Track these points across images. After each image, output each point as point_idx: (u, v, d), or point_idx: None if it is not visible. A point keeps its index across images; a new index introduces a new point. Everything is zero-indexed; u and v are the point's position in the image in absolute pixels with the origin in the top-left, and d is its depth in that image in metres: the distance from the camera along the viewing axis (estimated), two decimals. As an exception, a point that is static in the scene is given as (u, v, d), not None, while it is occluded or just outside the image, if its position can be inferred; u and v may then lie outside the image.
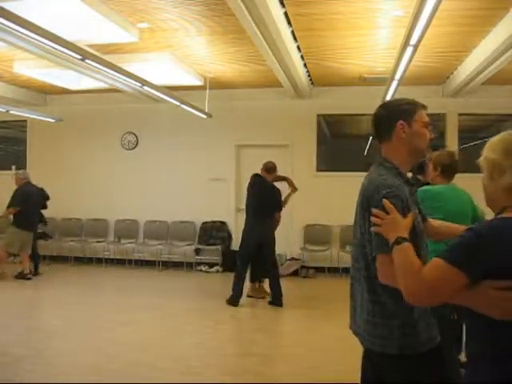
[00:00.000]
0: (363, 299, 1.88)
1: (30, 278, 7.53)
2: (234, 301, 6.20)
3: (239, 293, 6.22)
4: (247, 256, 6.35)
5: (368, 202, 1.83)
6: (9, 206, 7.60)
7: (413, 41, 4.22)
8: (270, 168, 6.37)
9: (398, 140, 1.92)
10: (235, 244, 8.23)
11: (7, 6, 3.62)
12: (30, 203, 7.58)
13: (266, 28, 4.71)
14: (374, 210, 1.76)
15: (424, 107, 1.97)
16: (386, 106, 2.02)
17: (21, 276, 7.55)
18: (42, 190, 8.02)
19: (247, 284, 6.57)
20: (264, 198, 6.25)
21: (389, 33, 5.54)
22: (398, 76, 5.60)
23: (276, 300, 6.23)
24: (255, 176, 6.41)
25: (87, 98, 9.20)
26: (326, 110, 8.77)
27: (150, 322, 5.63)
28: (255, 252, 6.26)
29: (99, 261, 9.13)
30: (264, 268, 6.41)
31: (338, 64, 6.93)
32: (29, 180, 7.88)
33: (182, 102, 7.54)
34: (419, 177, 3.84)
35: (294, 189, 6.60)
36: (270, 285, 6.31)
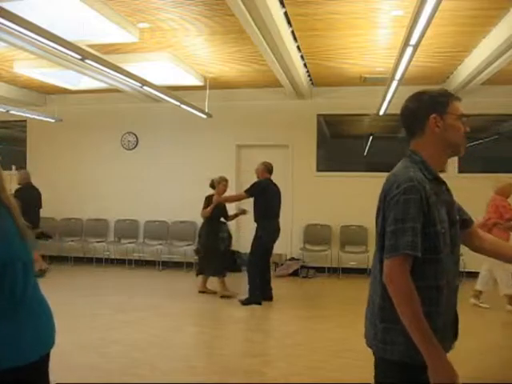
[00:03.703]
0: None
1: None
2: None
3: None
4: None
5: (385, 195, 1.73)
6: None
7: (413, 41, 4.21)
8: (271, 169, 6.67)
9: (431, 135, 1.78)
10: (235, 244, 8.21)
11: (7, 6, 3.62)
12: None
13: (266, 28, 4.72)
14: None
15: (458, 98, 1.83)
16: (416, 99, 1.83)
17: None
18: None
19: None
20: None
21: (389, 33, 5.54)
22: (398, 76, 5.60)
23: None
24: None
25: (87, 98, 9.21)
26: (325, 109, 8.76)
27: (149, 321, 5.63)
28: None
29: (99, 261, 9.14)
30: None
31: (338, 64, 6.93)
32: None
33: (182, 102, 7.54)
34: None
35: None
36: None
